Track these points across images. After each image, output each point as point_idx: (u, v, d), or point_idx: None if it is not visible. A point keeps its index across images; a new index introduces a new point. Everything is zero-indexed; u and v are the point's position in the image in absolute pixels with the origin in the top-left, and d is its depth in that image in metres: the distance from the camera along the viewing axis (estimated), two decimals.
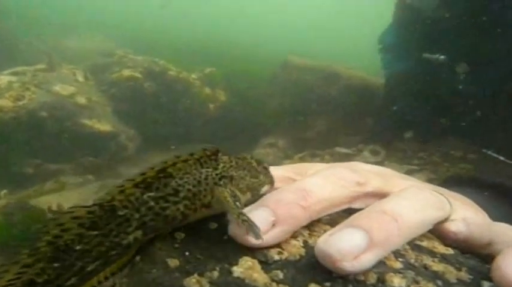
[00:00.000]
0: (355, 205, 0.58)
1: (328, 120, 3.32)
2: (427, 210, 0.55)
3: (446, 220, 0.58)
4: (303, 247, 0.52)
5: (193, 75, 4.19)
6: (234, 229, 0.51)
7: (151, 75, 4.18)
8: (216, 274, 0.48)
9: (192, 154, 0.57)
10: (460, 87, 1.94)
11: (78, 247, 0.52)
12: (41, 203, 2.46)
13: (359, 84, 3.28)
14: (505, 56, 1.75)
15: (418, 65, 2.11)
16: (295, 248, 0.51)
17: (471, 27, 1.74)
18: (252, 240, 0.49)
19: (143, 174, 0.54)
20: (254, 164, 0.61)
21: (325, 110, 3.34)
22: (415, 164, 2.49)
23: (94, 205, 0.52)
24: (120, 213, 0.53)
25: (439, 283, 0.48)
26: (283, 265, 0.49)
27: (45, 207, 2.36)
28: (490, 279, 0.50)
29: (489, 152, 1.71)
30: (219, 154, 0.59)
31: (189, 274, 0.48)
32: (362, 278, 0.48)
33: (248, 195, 0.59)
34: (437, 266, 0.51)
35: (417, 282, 0.48)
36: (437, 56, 1.92)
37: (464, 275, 0.51)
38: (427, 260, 0.52)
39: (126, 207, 0.53)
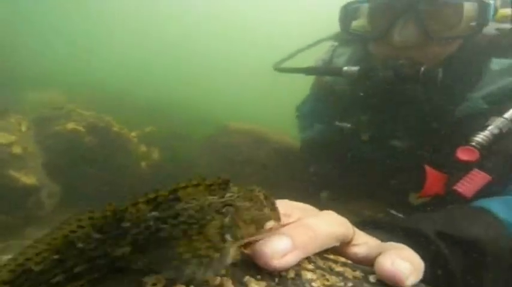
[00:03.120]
0: None
1: (255, 181, 3.39)
2: (336, 227, 0.75)
3: (350, 243, 0.79)
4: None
5: (133, 133, 4.24)
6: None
7: (94, 130, 4.19)
8: None
9: (204, 179, 0.58)
10: (365, 154, 2.13)
11: (79, 245, 0.54)
12: None
13: (285, 147, 3.43)
14: (400, 132, 1.98)
15: (329, 132, 2.28)
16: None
17: (370, 104, 2.03)
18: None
19: (156, 191, 0.56)
20: (261, 197, 0.63)
21: (252, 172, 3.42)
22: None
23: (112, 210, 0.55)
24: (124, 225, 0.54)
25: (340, 278, 0.67)
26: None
27: None
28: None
29: (391, 211, 1.93)
30: (230, 184, 0.61)
31: None
32: (284, 273, 0.64)
33: (252, 228, 0.60)
34: (339, 268, 0.70)
35: (324, 276, 0.66)
36: (345, 124, 2.11)
37: (358, 274, 0.70)
38: (332, 265, 0.71)
39: (131, 220, 0.54)
